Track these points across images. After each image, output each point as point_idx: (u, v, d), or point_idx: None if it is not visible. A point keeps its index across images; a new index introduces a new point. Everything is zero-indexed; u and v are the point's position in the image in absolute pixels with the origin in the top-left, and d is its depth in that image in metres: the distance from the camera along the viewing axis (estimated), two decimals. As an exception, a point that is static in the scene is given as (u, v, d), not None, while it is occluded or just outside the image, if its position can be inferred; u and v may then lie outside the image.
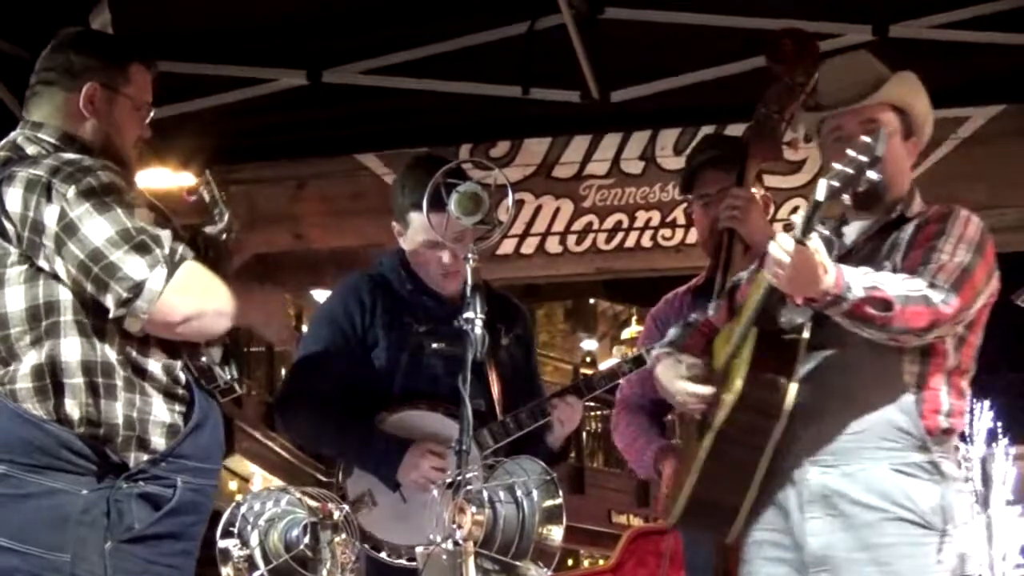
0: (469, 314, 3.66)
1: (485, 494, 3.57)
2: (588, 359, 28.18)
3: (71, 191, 3.57)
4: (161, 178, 6.99)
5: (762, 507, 3.80)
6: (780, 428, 3.67)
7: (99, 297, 3.54)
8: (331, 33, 5.55)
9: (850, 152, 3.33)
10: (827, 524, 3.70)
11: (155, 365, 3.62)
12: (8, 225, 3.59)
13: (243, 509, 3.40)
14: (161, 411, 3.61)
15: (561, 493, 3.69)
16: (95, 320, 3.60)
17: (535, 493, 3.64)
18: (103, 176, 3.60)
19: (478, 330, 3.65)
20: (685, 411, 3.95)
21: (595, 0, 5.49)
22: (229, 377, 3.62)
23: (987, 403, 25.39)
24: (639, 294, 21.10)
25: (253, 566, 3.39)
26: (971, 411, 25.82)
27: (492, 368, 4.49)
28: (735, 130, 5.18)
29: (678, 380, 3.89)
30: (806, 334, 3.67)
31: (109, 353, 3.60)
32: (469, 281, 3.73)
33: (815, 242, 3.40)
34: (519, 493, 3.63)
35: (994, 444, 25.14)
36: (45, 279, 3.61)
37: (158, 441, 3.58)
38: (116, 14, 4.89)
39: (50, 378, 3.59)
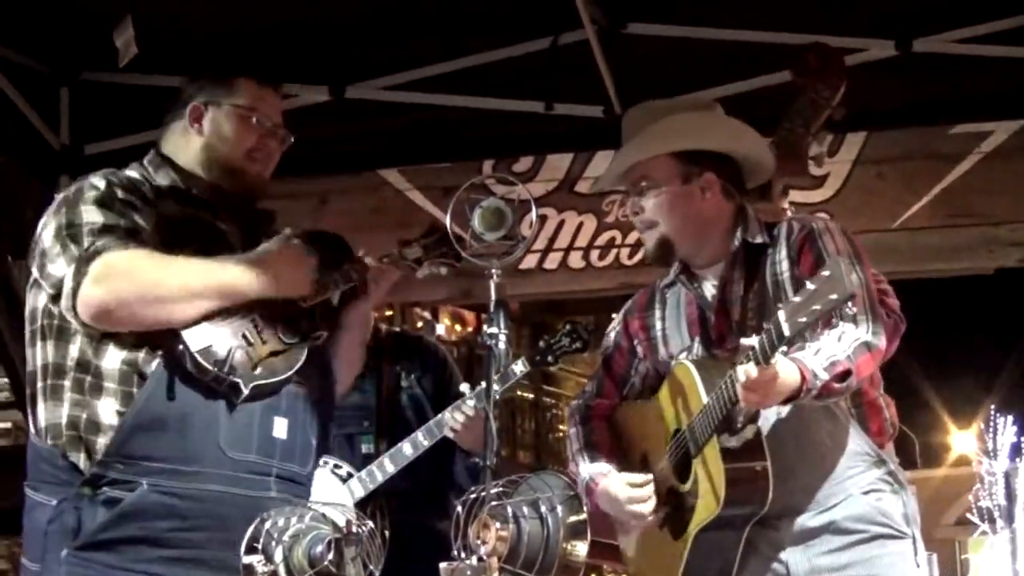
0: (493, 329, 3.63)
1: (509, 510, 3.57)
2: (610, 374, 28.08)
3: (56, 200, 3.65)
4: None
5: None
6: (765, 508, 3.71)
7: None
8: (353, 49, 5.56)
9: (813, 286, 3.33)
10: (808, 550, 3.78)
11: (111, 362, 3.55)
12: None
13: (267, 525, 3.39)
14: (106, 411, 3.53)
15: (585, 508, 3.69)
16: (59, 321, 3.59)
17: (559, 508, 3.63)
18: (93, 179, 3.65)
19: (502, 345, 3.61)
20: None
21: (618, 15, 5.49)
22: (215, 369, 3.52)
23: (1011, 418, 25.30)
24: (661, 309, 20.99)
25: (277, 582, 3.38)
26: (995, 426, 25.79)
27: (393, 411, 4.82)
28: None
29: (625, 505, 3.97)
30: (761, 422, 3.71)
31: (64, 354, 3.57)
32: (492, 296, 3.71)
33: (775, 358, 3.43)
34: (543, 508, 3.61)
35: (1018, 459, 25.02)
36: (35, 289, 3.65)
37: (101, 443, 3.51)
38: (139, 29, 4.90)
39: (28, 389, 3.64)
